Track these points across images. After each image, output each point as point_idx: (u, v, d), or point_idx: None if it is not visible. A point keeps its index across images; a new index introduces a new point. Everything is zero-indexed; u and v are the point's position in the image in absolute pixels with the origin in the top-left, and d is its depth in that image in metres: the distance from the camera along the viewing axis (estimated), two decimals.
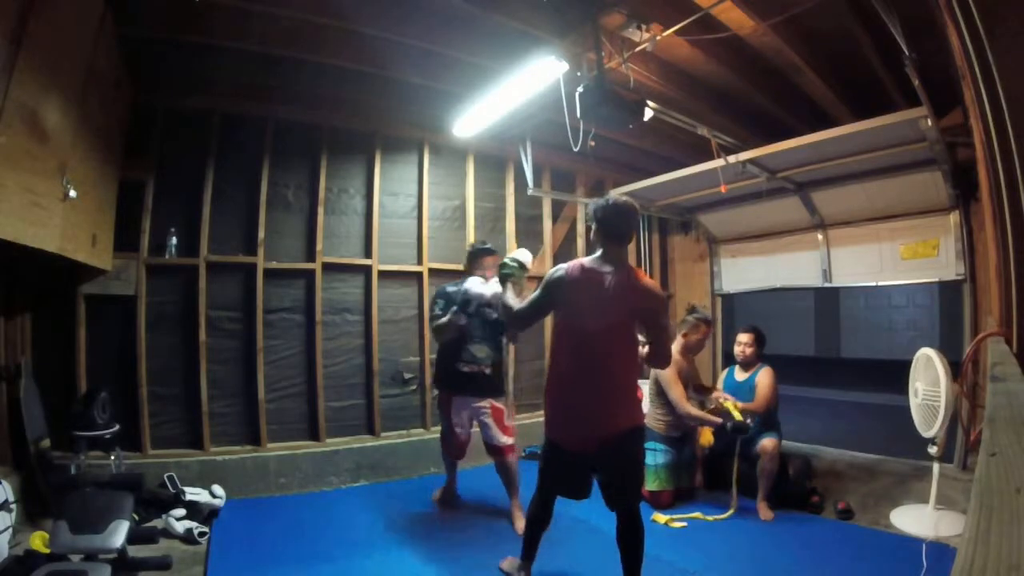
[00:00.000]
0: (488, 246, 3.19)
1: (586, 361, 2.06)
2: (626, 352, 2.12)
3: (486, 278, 3.01)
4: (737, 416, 3.13)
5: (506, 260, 2.47)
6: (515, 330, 2.29)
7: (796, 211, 4.38)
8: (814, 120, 3.94)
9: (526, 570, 2.29)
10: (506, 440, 3.02)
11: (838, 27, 3.02)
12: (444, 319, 2.94)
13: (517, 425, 4.44)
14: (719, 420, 3.18)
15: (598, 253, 2.13)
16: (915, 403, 2.95)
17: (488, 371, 3.03)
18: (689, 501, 3.35)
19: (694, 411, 3.25)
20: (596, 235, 2.15)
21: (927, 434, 2.86)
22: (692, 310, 3.63)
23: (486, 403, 3.03)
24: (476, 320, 2.98)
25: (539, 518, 2.25)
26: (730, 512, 3.11)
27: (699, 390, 3.60)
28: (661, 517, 3.06)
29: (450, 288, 3.07)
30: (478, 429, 3.11)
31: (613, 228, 2.12)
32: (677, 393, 3.26)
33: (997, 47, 1.14)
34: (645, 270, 5.45)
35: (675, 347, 3.43)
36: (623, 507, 2.12)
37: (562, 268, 2.14)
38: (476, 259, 3.12)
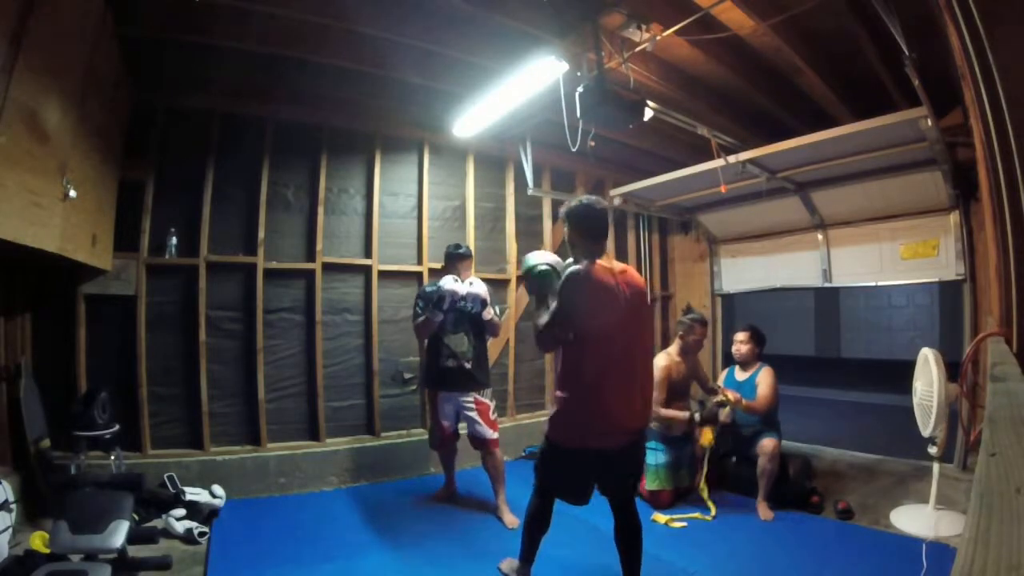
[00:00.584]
0: (463, 250, 3.26)
1: (621, 364, 2.02)
2: (650, 350, 2.19)
3: (460, 278, 3.11)
4: (729, 398, 3.20)
5: (541, 267, 2.16)
6: (548, 347, 2.13)
7: (796, 211, 4.39)
8: (814, 120, 3.94)
9: (525, 572, 2.29)
10: (492, 434, 3.09)
11: (838, 27, 3.02)
12: (421, 318, 3.09)
13: (517, 425, 4.48)
14: (685, 414, 3.25)
15: (595, 254, 2.09)
16: (915, 402, 2.96)
17: (468, 365, 3.10)
18: (689, 501, 3.35)
19: (663, 411, 3.28)
20: (577, 237, 2.12)
21: (925, 433, 2.86)
22: (687, 311, 3.65)
23: (470, 398, 3.11)
24: (452, 315, 3.09)
25: (539, 521, 2.23)
26: (712, 514, 3.11)
27: (708, 391, 3.59)
28: (661, 517, 3.06)
29: (428, 288, 3.20)
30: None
31: (595, 228, 2.12)
32: (655, 398, 3.27)
33: (997, 47, 1.14)
34: (645, 270, 5.46)
35: (673, 349, 3.45)
36: (623, 499, 2.13)
37: (580, 268, 2.03)
38: (452, 261, 3.22)
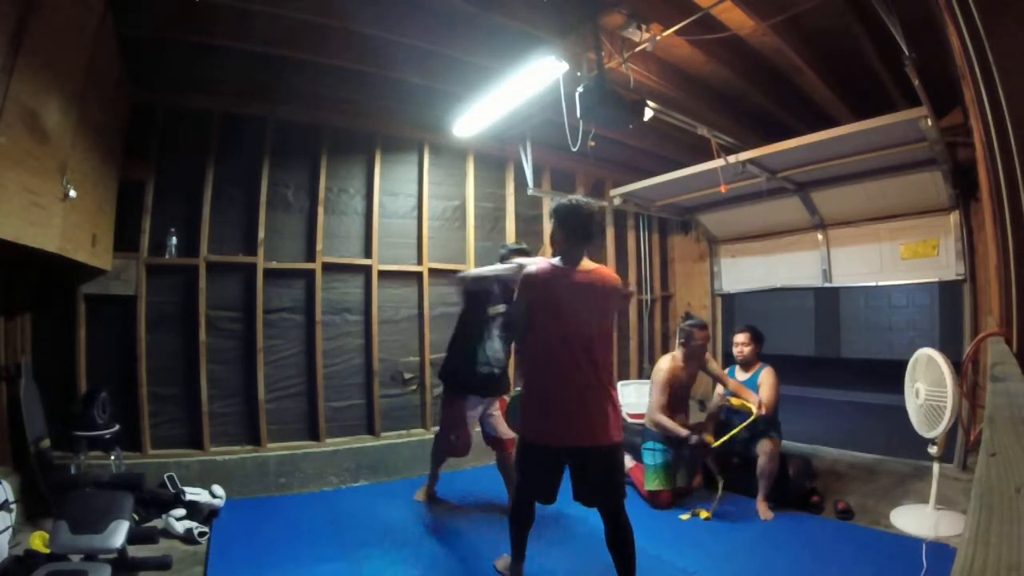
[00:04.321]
0: (524, 246, 3.11)
1: (572, 359, 2.05)
2: (608, 350, 2.15)
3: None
4: (751, 409, 3.14)
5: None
6: (516, 339, 2.32)
7: (796, 211, 4.39)
8: (814, 120, 3.94)
9: (517, 569, 2.29)
10: (511, 433, 3.00)
11: (838, 27, 3.02)
12: (472, 277, 2.89)
13: None
14: (683, 432, 3.20)
15: (562, 254, 2.13)
16: (915, 404, 2.95)
17: (500, 371, 2.99)
18: (688, 501, 3.35)
19: (664, 420, 3.26)
20: (559, 235, 2.15)
21: (930, 435, 2.85)
22: (686, 317, 3.61)
23: (494, 401, 3.05)
24: (493, 319, 2.97)
25: (522, 518, 2.24)
26: (714, 506, 3.11)
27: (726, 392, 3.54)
28: (685, 516, 3.09)
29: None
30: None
31: (578, 228, 2.12)
32: (657, 400, 3.30)
33: (997, 47, 1.14)
34: (645, 270, 5.46)
35: (677, 353, 3.44)
36: (605, 505, 2.12)
37: (532, 266, 2.14)
38: (508, 260, 2.96)
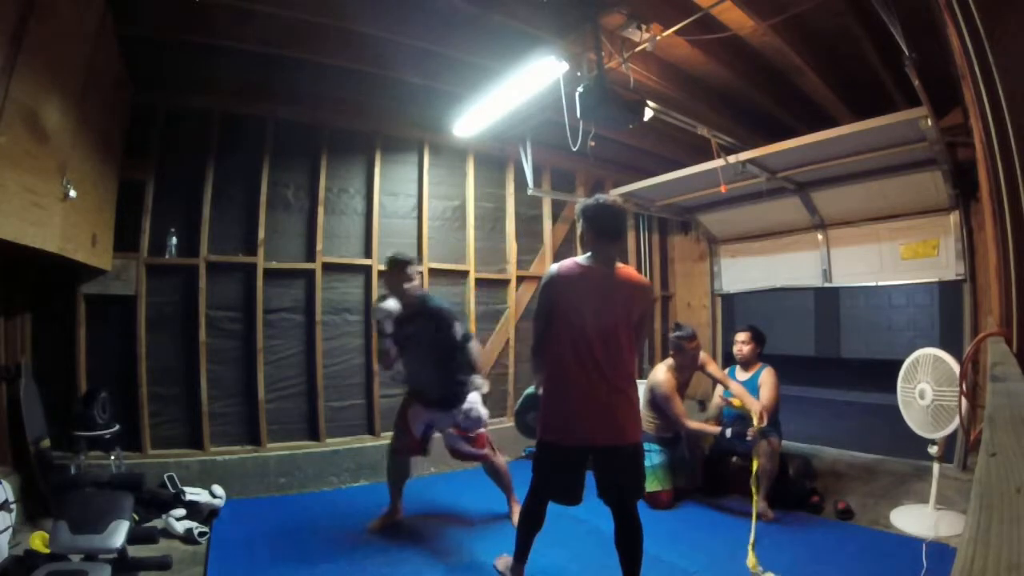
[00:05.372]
0: (401, 256, 2.82)
1: (593, 359, 2.05)
2: (629, 350, 2.14)
3: (405, 292, 2.74)
4: (753, 421, 3.07)
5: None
6: (540, 354, 2.16)
7: (796, 211, 4.39)
8: (814, 120, 3.94)
9: (518, 570, 2.29)
10: (476, 451, 2.89)
11: (838, 27, 3.02)
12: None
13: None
14: (718, 429, 3.25)
15: (591, 253, 2.13)
16: (920, 405, 2.93)
17: (434, 396, 2.81)
18: (689, 501, 3.34)
19: (694, 424, 3.32)
20: (586, 235, 2.16)
21: (938, 435, 2.84)
22: (675, 328, 3.59)
23: (445, 416, 2.84)
24: (407, 350, 2.77)
25: (532, 520, 2.24)
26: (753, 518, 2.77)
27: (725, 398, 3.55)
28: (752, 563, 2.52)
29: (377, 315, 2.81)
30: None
31: (604, 227, 2.12)
32: (677, 410, 3.29)
33: (997, 47, 1.14)
34: (645, 270, 5.46)
35: (670, 361, 3.45)
36: (622, 504, 2.12)
37: (554, 267, 2.15)
38: (391, 274, 2.83)
